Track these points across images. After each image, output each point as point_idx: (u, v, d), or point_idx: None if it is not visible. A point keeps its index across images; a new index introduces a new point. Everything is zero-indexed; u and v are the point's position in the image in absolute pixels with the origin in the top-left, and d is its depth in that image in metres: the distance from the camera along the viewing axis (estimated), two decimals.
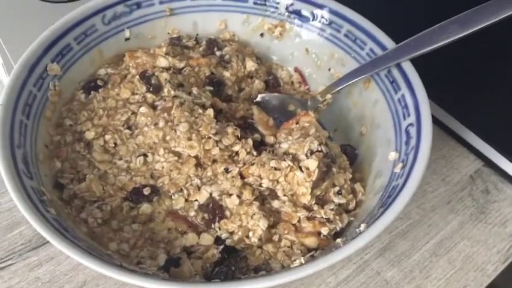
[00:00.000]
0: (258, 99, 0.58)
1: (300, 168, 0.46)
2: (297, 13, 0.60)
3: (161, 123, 0.49)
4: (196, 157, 0.49)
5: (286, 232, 0.46)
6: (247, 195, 0.46)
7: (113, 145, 0.50)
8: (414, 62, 0.51)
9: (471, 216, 0.58)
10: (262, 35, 0.62)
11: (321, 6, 0.58)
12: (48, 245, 0.53)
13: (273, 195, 0.48)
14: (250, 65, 0.59)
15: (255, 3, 0.60)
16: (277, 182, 0.47)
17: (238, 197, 0.46)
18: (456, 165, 0.63)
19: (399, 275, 0.53)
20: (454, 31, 0.49)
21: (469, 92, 0.63)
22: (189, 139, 0.48)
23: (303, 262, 0.41)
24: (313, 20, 0.59)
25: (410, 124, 0.47)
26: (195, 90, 0.53)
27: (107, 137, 0.50)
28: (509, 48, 0.63)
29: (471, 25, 0.48)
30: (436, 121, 0.65)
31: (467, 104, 0.63)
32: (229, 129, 0.50)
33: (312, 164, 0.46)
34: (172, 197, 0.48)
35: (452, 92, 0.64)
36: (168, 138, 0.49)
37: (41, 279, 0.51)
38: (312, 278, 0.52)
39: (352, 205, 0.48)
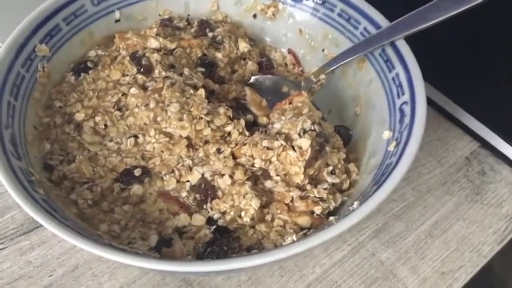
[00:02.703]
0: (252, 80, 0.58)
1: (293, 147, 0.46)
2: None
3: (152, 104, 0.49)
4: (187, 138, 0.48)
5: (279, 212, 0.45)
6: (239, 175, 0.46)
7: (103, 126, 0.50)
8: (410, 44, 0.50)
9: (467, 198, 0.57)
10: (255, 16, 0.61)
11: None
12: (39, 229, 0.52)
13: (266, 175, 0.47)
14: (243, 46, 0.58)
15: None
16: (270, 161, 0.47)
17: (231, 177, 0.46)
18: (452, 146, 0.62)
19: (394, 256, 0.52)
20: (449, 8, 0.48)
21: (465, 74, 0.63)
22: (180, 119, 0.48)
23: (295, 240, 0.40)
24: (306, 0, 0.58)
25: (405, 102, 0.47)
26: (186, 71, 0.52)
27: (97, 118, 0.50)
28: (505, 28, 0.63)
29: (465, 2, 0.47)
30: (432, 103, 0.64)
31: (463, 86, 0.63)
32: (221, 110, 0.49)
33: (305, 143, 0.45)
34: (164, 178, 0.47)
35: (448, 74, 0.63)
36: (159, 119, 0.48)
37: (33, 263, 0.50)
38: (306, 259, 0.51)
39: (346, 185, 0.48)
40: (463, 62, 0.63)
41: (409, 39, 0.50)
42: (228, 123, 0.49)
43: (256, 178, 0.47)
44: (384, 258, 0.52)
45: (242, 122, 0.50)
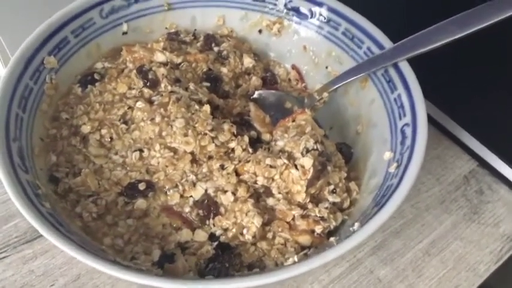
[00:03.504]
0: (255, 95, 0.58)
1: (295, 166, 0.47)
2: (296, 10, 0.60)
3: (157, 119, 0.49)
4: (192, 153, 0.49)
5: (280, 230, 0.46)
6: (242, 192, 0.46)
7: (109, 139, 0.50)
8: (411, 61, 0.51)
9: (464, 217, 0.58)
10: (260, 31, 0.62)
11: (319, 4, 0.58)
12: (42, 238, 0.53)
13: (268, 192, 0.48)
14: (248, 61, 0.59)
15: None
16: (273, 179, 0.47)
17: (233, 193, 0.46)
18: (451, 165, 0.63)
19: (392, 274, 0.53)
20: (452, 31, 0.49)
21: (465, 92, 0.63)
22: (185, 135, 0.48)
23: (296, 260, 0.41)
24: (311, 18, 0.59)
25: (406, 124, 0.48)
26: (192, 85, 0.53)
27: (103, 131, 0.50)
28: (506, 49, 0.63)
29: (469, 26, 0.48)
30: (431, 120, 0.64)
31: (462, 104, 0.63)
32: (226, 126, 0.50)
33: (307, 162, 0.46)
34: (168, 193, 0.48)
35: (448, 92, 0.64)
36: (164, 133, 0.49)
37: (35, 272, 0.51)
38: (305, 275, 0.52)
39: (346, 204, 0.48)
40: (463, 80, 0.64)
41: (411, 57, 0.51)
42: (232, 140, 0.50)
43: (259, 195, 0.48)
44: (382, 275, 0.53)
45: (246, 138, 0.50)
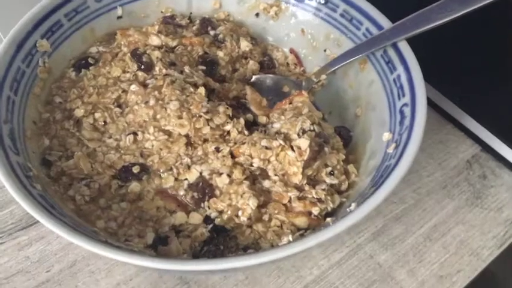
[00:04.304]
0: (253, 80, 0.58)
1: (292, 147, 0.46)
2: None
3: (152, 102, 0.49)
4: (186, 136, 0.48)
5: (276, 212, 0.45)
6: (237, 174, 0.46)
7: (103, 123, 0.50)
8: (412, 45, 0.50)
9: (467, 201, 0.57)
10: (257, 15, 0.61)
11: None
12: (38, 225, 0.52)
13: (264, 174, 0.47)
14: (245, 45, 0.58)
15: None
16: (269, 161, 0.47)
17: (229, 176, 0.46)
18: (453, 150, 0.62)
19: (392, 259, 0.52)
20: (453, 9, 0.47)
21: (467, 76, 0.62)
22: (180, 117, 0.48)
23: (291, 240, 0.40)
24: (309, 0, 0.58)
25: (405, 104, 0.46)
26: (187, 69, 0.52)
27: (97, 115, 0.50)
28: (510, 30, 0.62)
29: (471, 3, 0.47)
30: (433, 105, 0.64)
31: (465, 88, 0.62)
32: (221, 108, 0.49)
33: (304, 143, 0.45)
34: (162, 176, 0.47)
35: (450, 76, 0.63)
36: (158, 116, 0.48)
37: (31, 259, 0.50)
38: (304, 260, 0.51)
39: (344, 186, 0.48)
40: (466, 64, 0.62)
41: (411, 40, 0.50)
42: (228, 122, 0.49)
43: (255, 178, 0.47)
44: (382, 260, 0.52)
45: (241, 121, 0.49)
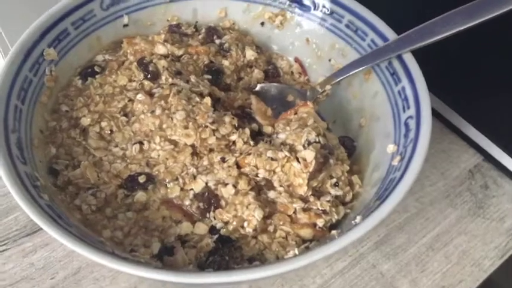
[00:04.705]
0: (257, 88, 0.58)
1: (297, 159, 0.46)
2: (298, 2, 0.59)
3: (158, 111, 0.49)
4: (192, 146, 0.48)
5: (281, 223, 0.45)
6: (243, 185, 0.46)
7: (109, 132, 0.50)
8: (416, 55, 0.50)
9: (469, 211, 0.57)
10: (262, 24, 0.61)
11: None
12: (43, 231, 0.52)
13: (269, 185, 0.47)
14: (250, 54, 0.58)
15: None
16: (274, 172, 0.47)
17: (234, 186, 0.46)
18: (456, 159, 0.62)
19: (395, 269, 0.52)
20: (457, 23, 0.48)
21: (470, 86, 0.63)
22: (186, 127, 0.48)
23: (297, 253, 0.40)
24: (314, 10, 0.58)
25: (410, 117, 0.47)
26: (193, 78, 0.52)
27: (103, 123, 0.50)
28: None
29: (475, 17, 0.47)
30: (436, 114, 0.64)
31: (468, 98, 0.62)
32: (227, 118, 0.49)
33: (309, 155, 0.46)
34: (168, 186, 0.47)
35: (453, 86, 0.63)
36: (164, 126, 0.49)
37: (35, 265, 0.50)
38: (307, 269, 0.51)
39: (348, 197, 0.48)
40: (469, 74, 0.63)
41: (415, 50, 0.50)
42: (233, 132, 0.49)
43: (260, 188, 0.47)
44: (385, 270, 0.52)
45: (247, 131, 0.50)
